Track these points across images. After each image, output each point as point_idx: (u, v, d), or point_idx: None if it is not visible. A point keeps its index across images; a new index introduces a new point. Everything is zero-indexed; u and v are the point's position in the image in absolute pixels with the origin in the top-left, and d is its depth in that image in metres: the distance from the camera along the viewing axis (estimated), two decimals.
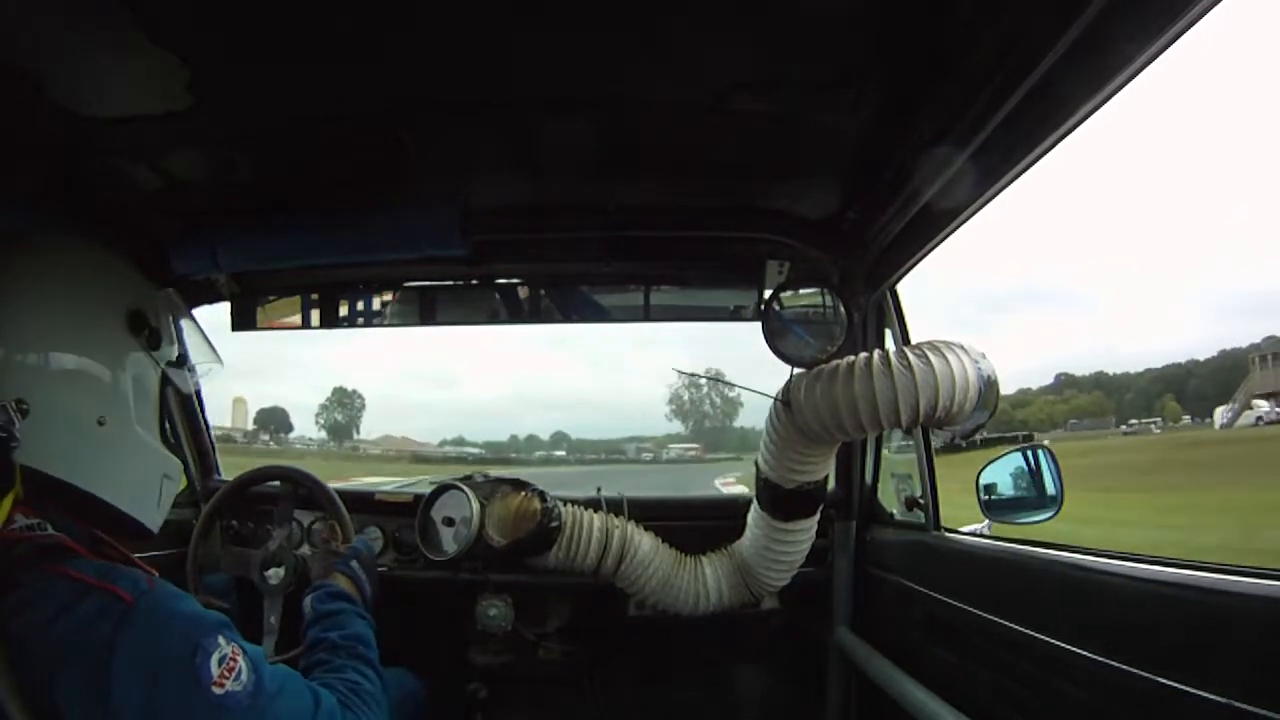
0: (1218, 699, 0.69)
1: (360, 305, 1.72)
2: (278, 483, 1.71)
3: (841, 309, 1.38)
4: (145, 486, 0.94)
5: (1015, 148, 0.95)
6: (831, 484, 1.66)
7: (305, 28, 0.91)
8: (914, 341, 1.43)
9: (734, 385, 1.80)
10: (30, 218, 1.16)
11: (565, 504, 1.61)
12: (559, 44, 0.96)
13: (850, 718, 1.75)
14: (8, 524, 0.76)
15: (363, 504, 1.81)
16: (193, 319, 1.18)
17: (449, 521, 1.69)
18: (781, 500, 1.47)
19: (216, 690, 0.76)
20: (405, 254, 1.47)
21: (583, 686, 1.93)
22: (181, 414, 1.86)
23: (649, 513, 1.71)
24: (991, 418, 1.30)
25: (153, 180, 1.29)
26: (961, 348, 1.26)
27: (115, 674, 0.73)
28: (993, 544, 1.29)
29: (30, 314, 0.85)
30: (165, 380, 0.99)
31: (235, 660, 0.79)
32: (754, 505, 1.55)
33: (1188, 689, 0.72)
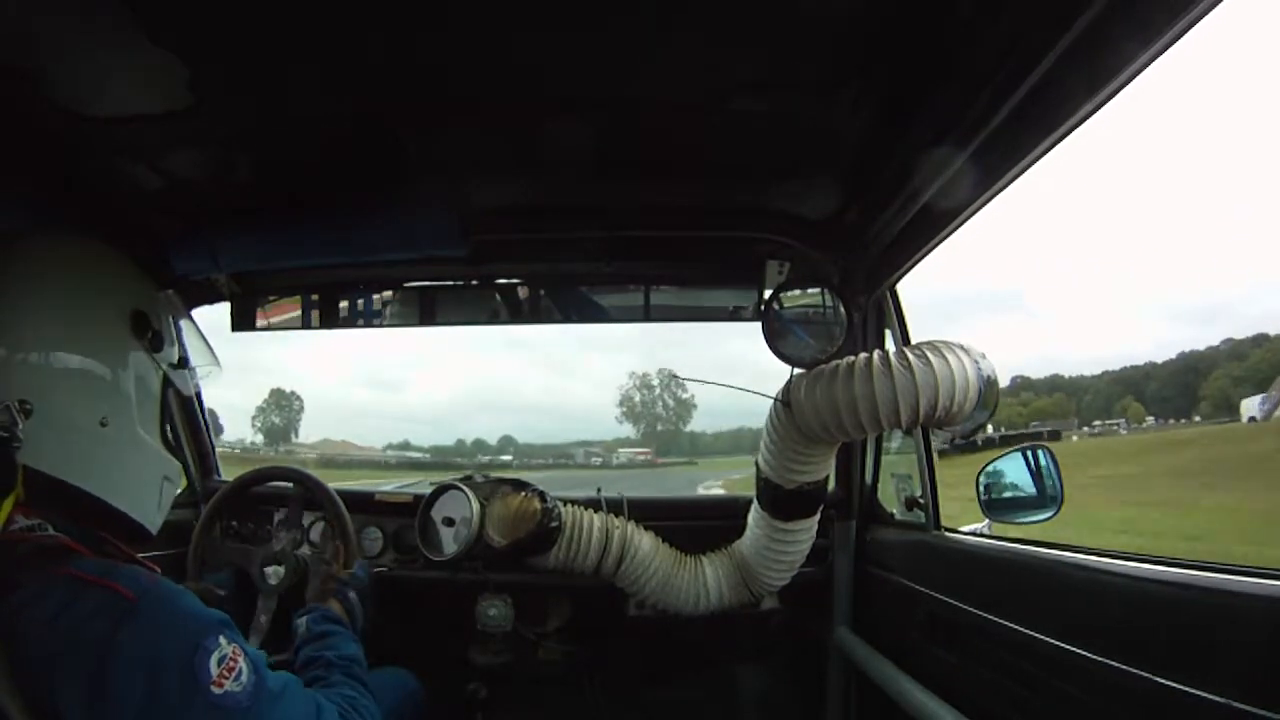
0: (1218, 699, 0.69)
1: (360, 305, 1.72)
2: (285, 484, 1.71)
3: (841, 309, 1.38)
4: (146, 488, 0.94)
5: (1015, 148, 0.95)
6: (831, 484, 1.66)
7: (305, 28, 0.91)
8: (914, 341, 1.44)
9: (733, 386, 1.80)
10: (30, 218, 1.16)
11: (565, 504, 1.61)
12: (559, 44, 0.96)
13: (850, 718, 1.75)
14: (8, 525, 0.76)
15: (363, 504, 1.81)
16: (192, 321, 1.18)
17: (449, 521, 1.69)
18: (782, 500, 1.47)
19: (215, 690, 0.76)
20: (405, 254, 1.48)
21: (583, 686, 1.93)
22: (181, 414, 1.86)
23: (649, 513, 1.71)
24: (992, 417, 1.30)
25: (153, 180, 1.29)
26: (962, 348, 1.26)
27: (115, 671, 0.72)
28: (993, 544, 1.29)
29: (34, 314, 0.85)
30: (167, 382, 0.99)
31: (236, 660, 0.79)
32: (754, 505, 1.55)
33: (1188, 689, 0.72)
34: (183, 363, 1.05)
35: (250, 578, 1.55)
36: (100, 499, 0.86)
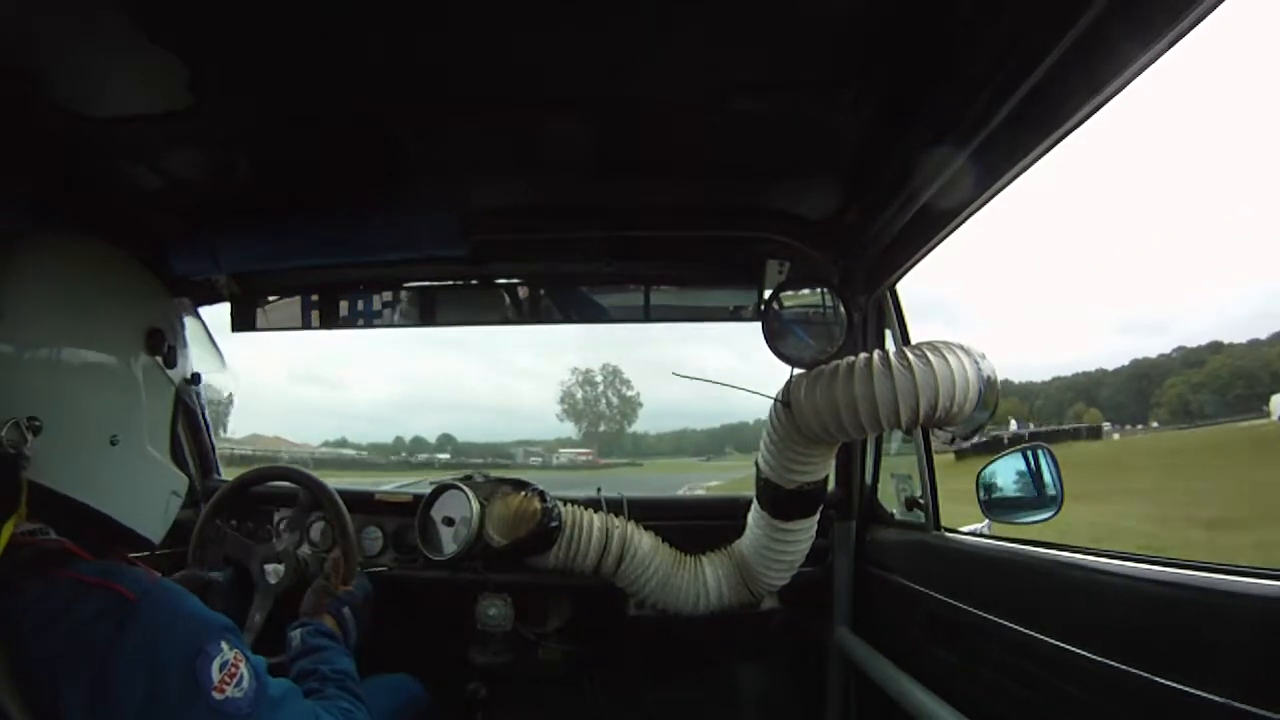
0: (1217, 699, 0.69)
1: (360, 305, 1.72)
2: (288, 484, 1.70)
3: (841, 309, 1.38)
4: (152, 503, 0.93)
5: (1015, 148, 0.95)
6: (831, 484, 1.66)
7: (305, 27, 0.91)
8: (914, 341, 1.44)
9: (733, 386, 1.79)
10: (30, 218, 1.16)
11: (565, 504, 1.61)
12: (559, 44, 0.96)
13: (850, 718, 1.75)
14: None
15: (363, 504, 1.81)
16: (200, 320, 1.17)
17: (449, 521, 1.69)
18: (781, 500, 1.47)
19: (217, 695, 0.76)
20: (405, 254, 1.47)
21: (583, 686, 1.93)
22: (182, 414, 1.86)
23: (649, 513, 1.71)
24: (992, 418, 1.30)
25: (153, 180, 1.29)
26: (962, 348, 1.26)
27: (116, 673, 0.72)
28: (993, 544, 1.29)
29: (51, 328, 0.83)
30: (178, 398, 0.98)
31: (237, 666, 0.79)
32: (754, 505, 1.55)
33: (1187, 689, 0.72)
34: (195, 379, 1.04)
35: (249, 574, 1.54)
36: (105, 514, 0.86)
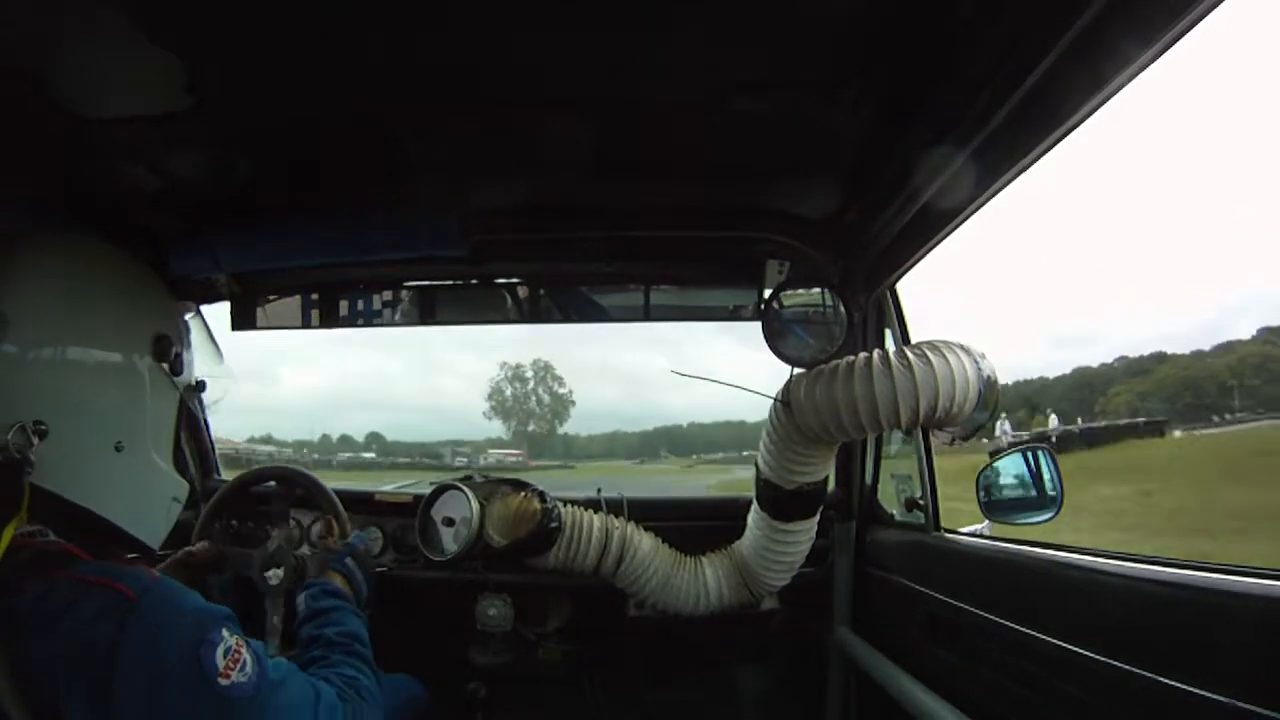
0: (1218, 698, 0.69)
1: (360, 305, 1.72)
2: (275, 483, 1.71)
3: (841, 309, 1.38)
4: (154, 510, 0.93)
5: (1015, 148, 0.95)
6: (831, 485, 1.66)
7: (305, 27, 0.91)
8: (914, 341, 1.43)
9: (734, 386, 1.79)
10: (31, 218, 1.16)
11: (565, 504, 1.61)
12: (559, 44, 0.96)
13: (850, 718, 1.75)
14: None
15: (362, 504, 1.81)
16: (204, 324, 1.17)
17: (449, 521, 1.69)
18: (781, 501, 1.47)
19: (223, 681, 0.77)
20: (405, 254, 1.47)
21: (583, 686, 1.93)
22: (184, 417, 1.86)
23: (649, 513, 1.71)
24: (992, 418, 1.29)
25: (153, 180, 1.29)
26: (962, 347, 1.26)
27: (118, 671, 0.73)
28: (993, 544, 1.29)
29: (57, 331, 0.83)
30: (183, 405, 0.98)
31: (240, 652, 0.79)
32: (754, 506, 1.55)
33: (1187, 688, 0.72)
34: (200, 386, 1.04)
35: (251, 583, 1.55)
36: (108, 519, 0.86)
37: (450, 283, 1.73)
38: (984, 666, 1.14)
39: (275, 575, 1.53)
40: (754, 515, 1.56)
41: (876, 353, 1.26)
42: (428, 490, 1.74)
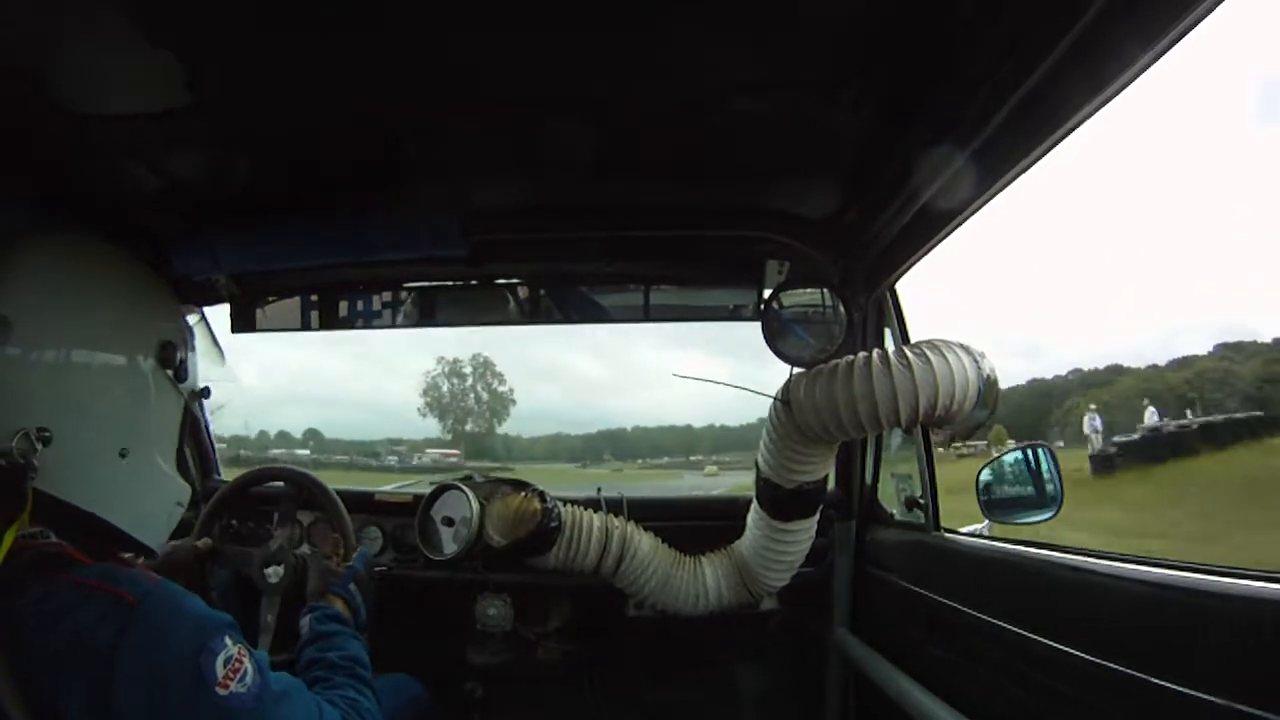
0: (1215, 699, 0.69)
1: (360, 306, 1.72)
2: (279, 483, 1.71)
3: (841, 309, 1.38)
4: (157, 513, 0.93)
5: (1015, 148, 0.95)
6: (831, 484, 1.66)
7: (305, 27, 0.91)
8: (914, 340, 1.43)
9: (734, 385, 1.80)
10: (30, 218, 1.16)
11: (565, 504, 1.61)
12: (559, 44, 0.96)
13: (850, 718, 1.75)
14: None
15: (362, 504, 1.81)
16: (208, 327, 1.17)
17: (449, 521, 1.69)
18: (781, 500, 1.47)
19: (221, 691, 0.76)
20: (405, 254, 1.48)
21: (583, 686, 1.93)
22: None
23: (649, 513, 1.71)
24: (992, 417, 1.30)
25: (153, 180, 1.29)
26: (962, 346, 1.26)
27: (118, 676, 0.72)
28: (992, 544, 1.29)
29: (61, 335, 0.83)
30: (186, 411, 0.98)
31: (241, 662, 0.79)
32: (754, 505, 1.55)
33: (1186, 689, 0.72)
34: (205, 393, 1.04)
35: (251, 580, 1.55)
36: (110, 524, 0.86)
37: (450, 283, 1.73)
38: (983, 667, 1.14)
39: (275, 573, 1.53)
40: (754, 515, 1.56)
41: (876, 352, 1.26)
42: (428, 490, 1.75)
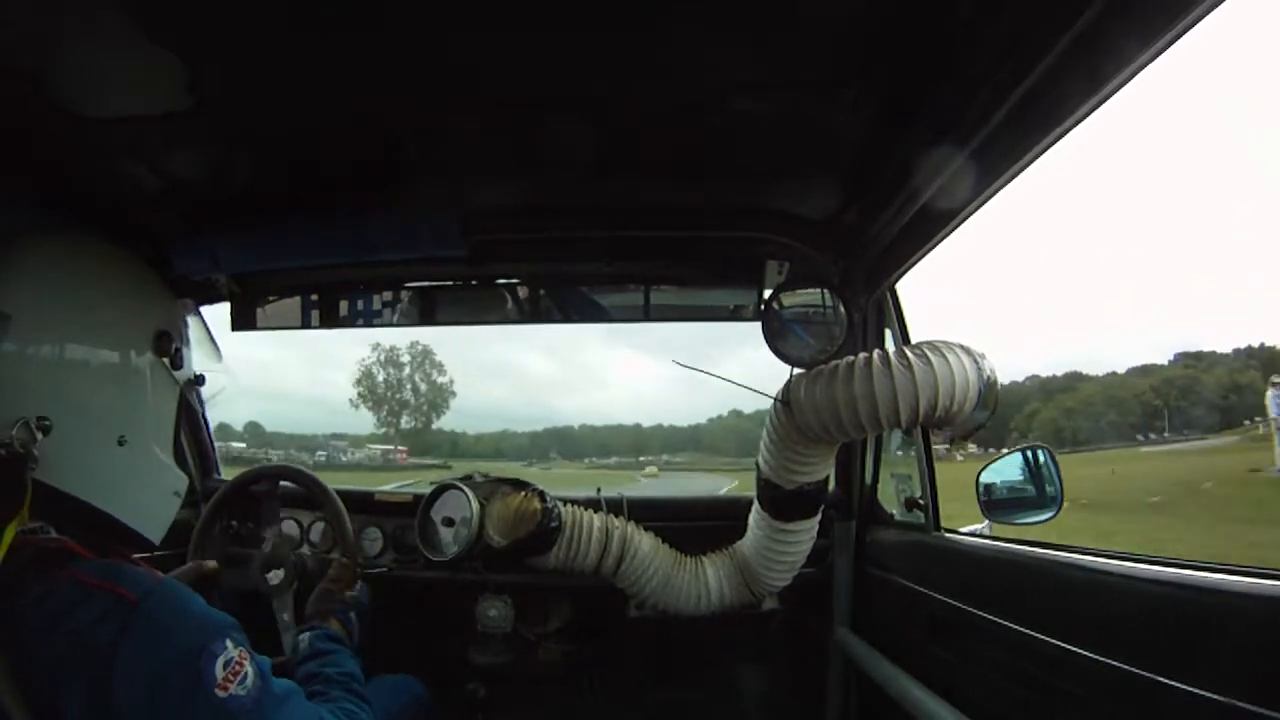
0: (1218, 698, 0.69)
1: (360, 305, 1.72)
2: (286, 484, 1.70)
3: (841, 309, 1.37)
4: (155, 504, 0.94)
5: (1015, 148, 0.95)
6: (831, 484, 1.66)
7: (305, 28, 0.91)
8: (914, 341, 1.43)
9: (734, 384, 1.79)
10: (30, 218, 1.16)
11: (565, 504, 1.61)
12: (559, 44, 0.96)
13: (850, 718, 1.75)
14: None
15: (362, 504, 1.81)
16: (203, 322, 1.17)
17: (449, 522, 1.69)
18: (782, 501, 1.47)
19: (220, 693, 0.76)
20: (405, 254, 1.48)
21: (583, 686, 1.93)
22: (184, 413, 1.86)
23: (649, 513, 1.71)
24: (992, 417, 1.30)
25: (153, 180, 1.29)
26: (962, 347, 1.26)
27: (118, 674, 0.72)
28: (993, 544, 1.29)
29: (59, 328, 0.84)
30: (183, 399, 0.99)
31: (242, 664, 0.79)
32: (754, 506, 1.55)
33: (1188, 688, 0.72)
34: (200, 380, 1.05)
35: (254, 593, 1.54)
36: (109, 514, 0.86)
37: (450, 283, 1.73)
38: (984, 666, 1.14)
39: (276, 576, 1.53)
40: (755, 515, 1.56)
41: (876, 352, 1.26)
42: (427, 490, 1.75)
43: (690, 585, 1.60)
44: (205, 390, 1.12)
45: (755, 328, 1.40)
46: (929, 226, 1.25)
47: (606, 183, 1.42)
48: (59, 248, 0.89)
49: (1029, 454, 1.47)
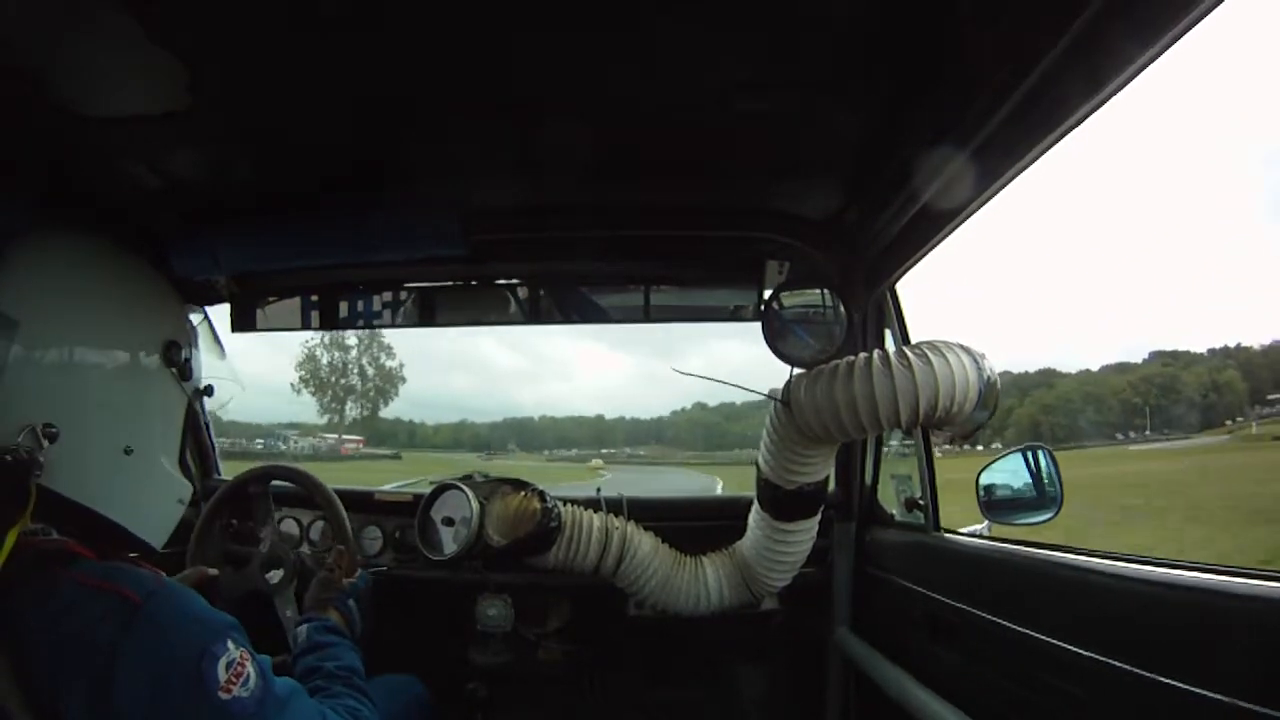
0: (1218, 698, 0.69)
1: (360, 306, 1.72)
2: (286, 484, 1.70)
3: (841, 309, 1.37)
4: (159, 512, 0.93)
5: (1015, 148, 0.95)
6: (831, 485, 1.66)
7: (305, 28, 0.91)
8: (914, 341, 1.43)
9: (734, 385, 1.79)
10: (30, 218, 1.16)
11: (565, 504, 1.61)
12: (559, 44, 0.96)
13: (850, 718, 1.75)
14: None
15: (362, 504, 1.81)
16: (211, 327, 1.16)
17: (449, 521, 1.69)
18: (782, 501, 1.47)
19: (223, 695, 0.76)
20: (405, 254, 1.47)
21: (583, 686, 1.93)
22: None
23: (649, 513, 1.71)
24: (992, 417, 1.30)
25: (153, 180, 1.29)
26: (962, 347, 1.26)
27: (118, 676, 0.72)
28: (992, 544, 1.29)
29: (73, 337, 0.84)
30: (190, 408, 0.99)
31: (243, 666, 0.79)
32: (754, 506, 1.55)
33: (1187, 688, 0.72)
34: (208, 391, 1.04)
35: (249, 579, 1.54)
36: (111, 521, 0.86)
37: (451, 283, 1.73)
38: (984, 666, 1.14)
39: (275, 575, 1.53)
40: (754, 515, 1.56)
41: (876, 352, 1.26)
42: (427, 490, 1.75)
43: (690, 585, 1.60)
44: (215, 399, 1.11)
45: (725, 324, 1.39)
46: (929, 226, 1.25)
47: (606, 183, 1.42)
48: (66, 252, 0.88)
49: (1029, 454, 1.47)
